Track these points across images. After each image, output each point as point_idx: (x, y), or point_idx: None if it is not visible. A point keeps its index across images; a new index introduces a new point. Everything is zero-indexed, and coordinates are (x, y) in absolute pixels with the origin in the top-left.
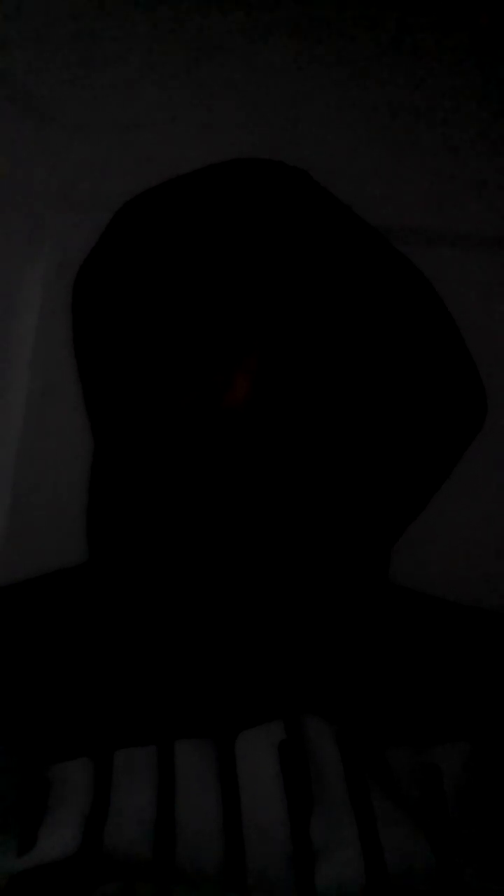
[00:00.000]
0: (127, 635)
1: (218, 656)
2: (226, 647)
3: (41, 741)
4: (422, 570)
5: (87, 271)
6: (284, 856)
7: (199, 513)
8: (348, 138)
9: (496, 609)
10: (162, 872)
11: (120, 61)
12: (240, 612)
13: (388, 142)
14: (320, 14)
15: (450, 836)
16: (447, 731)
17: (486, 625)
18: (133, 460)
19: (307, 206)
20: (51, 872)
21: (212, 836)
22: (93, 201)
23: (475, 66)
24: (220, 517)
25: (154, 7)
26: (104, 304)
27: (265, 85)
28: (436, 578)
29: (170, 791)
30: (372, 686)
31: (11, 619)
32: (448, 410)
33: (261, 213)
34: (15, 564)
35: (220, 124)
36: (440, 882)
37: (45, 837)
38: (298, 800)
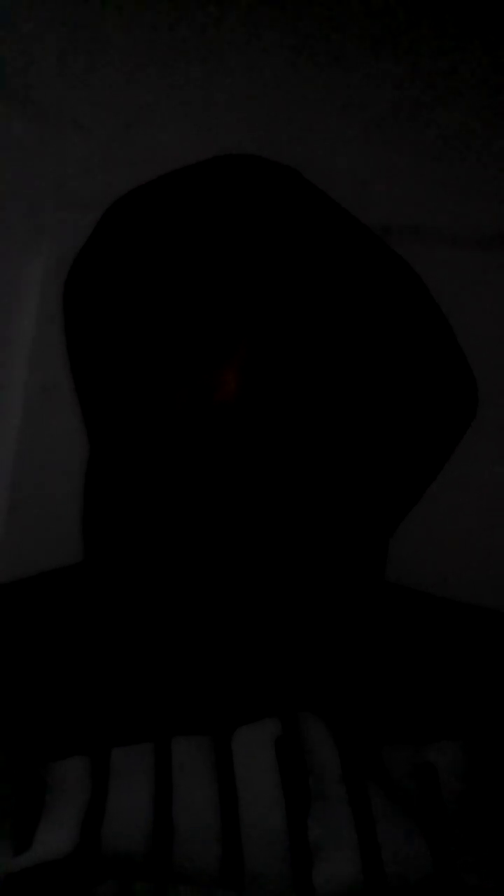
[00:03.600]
0: (123, 634)
1: (214, 654)
2: (222, 644)
3: (38, 740)
4: (419, 568)
5: (77, 269)
6: (282, 854)
7: (194, 510)
8: (346, 137)
9: (493, 607)
10: (159, 871)
11: (118, 59)
12: (236, 610)
13: (385, 140)
14: (319, 13)
15: (447, 834)
16: (444, 729)
17: (484, 622)
18: (127, 459)
19: (294, 201)
20: (48, 872)
21: (209, 834)
22: (91, 199)
23: (473, 64)
24: (215, 513)
25: (152, 5)
26: (94, 302)
27: (263, 83)
28: (433, 577)
29: (167, 789)
30: (369, 683)
31: (8, 617)
32: (439, 402)
33: (248, 208)
34: (12, 563)
35: (219, 123)
36: (437, 880)
37: (42, 836)
38: (296, 797)
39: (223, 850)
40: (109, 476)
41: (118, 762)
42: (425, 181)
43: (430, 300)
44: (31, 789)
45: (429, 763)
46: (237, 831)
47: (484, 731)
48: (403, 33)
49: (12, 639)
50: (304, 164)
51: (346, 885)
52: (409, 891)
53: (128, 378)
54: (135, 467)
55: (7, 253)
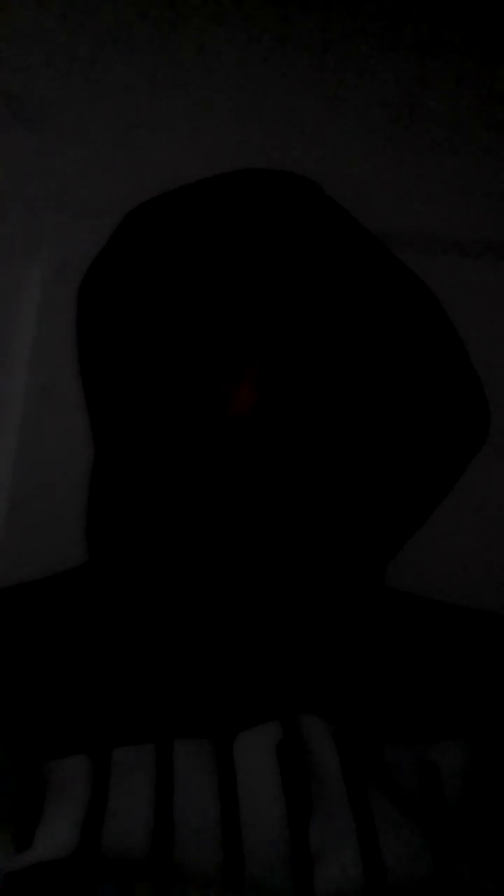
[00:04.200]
0: (126, 635)
1: (216, 657)
2: (224, 648)
3: (40, 739)
4: (417, 573)
5: (91, 277)
6: (283, 857)
7: (201, 518)
8: (350, 144)
9: (490, 610)
10: (160, 873)
11: (117, 68)
12: (238, 615)
13: (390, 148)
14: (320, 20)
15: (448, 836)
16: (446, 729)
17: (481, 625)
18: (135, 466)
19: (314, 217)
20: (48, 871)
21: (210, 837)
22: (90, 206)
23: (476, 71)
24: (222, 523)
25: (152, 12)
26: (108, 311)
27: (263, 89)
28: (431, 582)
29: (168, 790)
30: (369, 686)
31: (11, 620)
32: (451, 421)
33: (268, 223)
34: (12, 564)
35: (218, 130)
36: (439, 882)
37: (43, 835)
38: (297, 801)
39: (224, 852)
40: (115, 483)
41: (119, 762)
42: (427, 188)
43: (445, 319)
44: (32, 787)
45: (431, 763)
46: (238, 834)
47: (485, 731)
48: (405, 40)
49: (15, 640)
50: (304, 171)
51: (347, 888)
52: (411, 892)
53: (139, 387)
54: (142, 476)
55: (7, 258)
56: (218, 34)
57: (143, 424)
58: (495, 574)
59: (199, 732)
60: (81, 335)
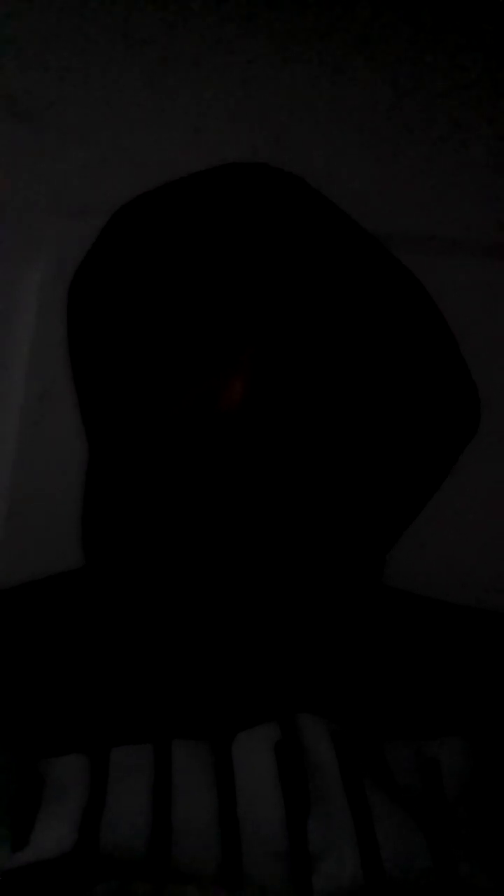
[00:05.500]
0: (124, 636)
1: (213, 657)
2: (221, 648)
3: (37, 737)
4: (415, 572)
5: (81, 276)
6: (281, 856)
7: (196, 516)
8: (345, 144)
9: (488, 608)
10: (158, 872)
11: (114, 68)
12: (235, 614)
13: (386, 147)
14: (316, 20)
15: (447, 832)
16: (444, 727)
17: (479, 623)
18: (129, 465)
19: (301, 210)
20: (46, 870)
21: (208, 836)
22: (88, 207)
23: (474, 71)
24: (217, 520)
25: (149, 14)
26: (99, 309)
27: (261, 90)
28: (429, 581)
29: (166, 790)
30: (368, 684)
31: (9, 620)
32: (442, 416)
33: (255, 217)
34: (10, 567)
35: (215, 131)
36: (437, 879)
37: (40, 834)
38: (295, 800)
39: (222, 852)
40: (110, 483)
41: (117, 762)
42: (426, 190)
43: (435, 310)
44: (30, 786)
45: (431, 759)
46: (237, 833)
47: (485, 728)
48: (402, 43)
49: (13, 641)
50: (303, 173)
51: (345, 887)
52: (410, 890)
53: (131, 384)
54: (136, 474)
55: (5, 261)
56: (217, 38)
57: (136, 422)
58: (492, 573)
59: (197, 733)
60: (73, 333)
